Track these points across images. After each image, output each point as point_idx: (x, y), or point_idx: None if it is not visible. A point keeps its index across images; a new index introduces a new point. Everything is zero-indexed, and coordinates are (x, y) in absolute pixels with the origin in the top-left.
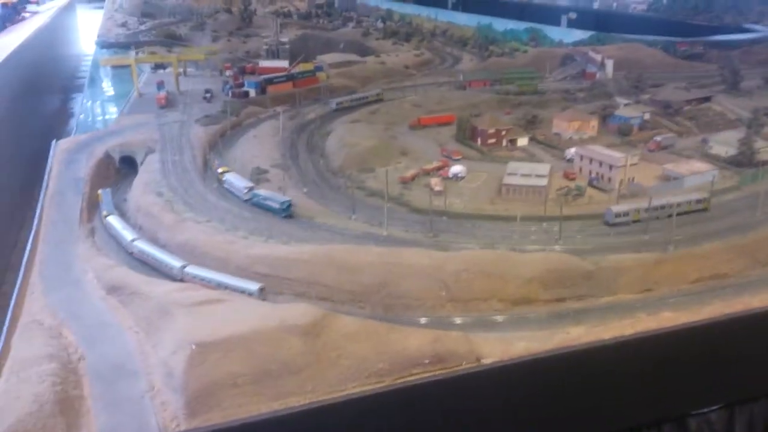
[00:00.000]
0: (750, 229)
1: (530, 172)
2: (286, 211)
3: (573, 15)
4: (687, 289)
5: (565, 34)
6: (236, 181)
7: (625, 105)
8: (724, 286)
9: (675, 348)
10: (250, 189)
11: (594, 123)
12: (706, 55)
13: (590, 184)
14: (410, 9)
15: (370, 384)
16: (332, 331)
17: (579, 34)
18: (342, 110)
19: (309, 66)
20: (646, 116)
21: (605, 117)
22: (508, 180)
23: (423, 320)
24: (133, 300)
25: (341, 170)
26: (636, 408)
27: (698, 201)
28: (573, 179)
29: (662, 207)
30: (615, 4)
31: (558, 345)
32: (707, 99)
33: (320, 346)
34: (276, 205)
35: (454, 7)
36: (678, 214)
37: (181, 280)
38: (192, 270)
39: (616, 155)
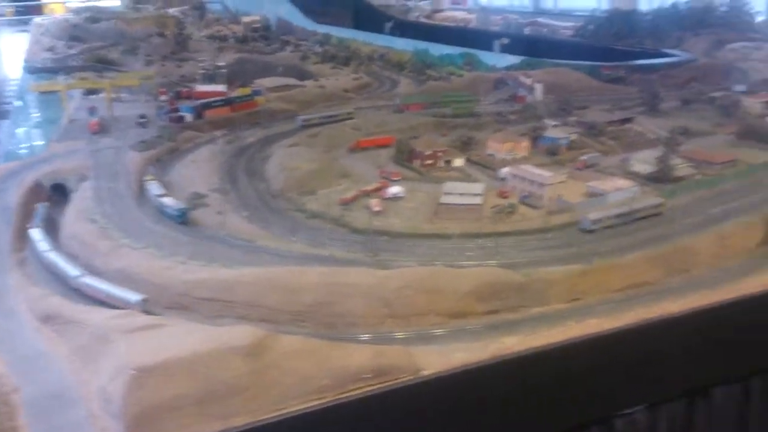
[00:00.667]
0: (667, 240)
1: (465, 192)
2: (182, 218)
3: (505, 40)
4: (611, 297)
5: (499, 59)
6: (153, 189)
7: (554, 126)
8: (644, 294)
9: (600, 352)
10: (160, 196)
11: (525, 144)
12: (628, 78)
13: (522, 201)
14: (348, 33)
15: (313, 400)
16: (275, 350)
17: (511, 59)
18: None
19: (247, 90)
20: (573, 137)
21: (535, 138)
22: (444, 199)
23: (365, 337)
24: (69, 329)
25: (282, 193)
26: (565, 411)
27: (655, 206)
28: (506, 197)
29: (629, 213)
30: (545, 30)
31: (492, 354)
32: (629, 120)
33: (263, 366)
34: (173, 212)
35: (392, 32)
36: (640, 218)
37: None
38: (86, 280)
39: (545, 174)
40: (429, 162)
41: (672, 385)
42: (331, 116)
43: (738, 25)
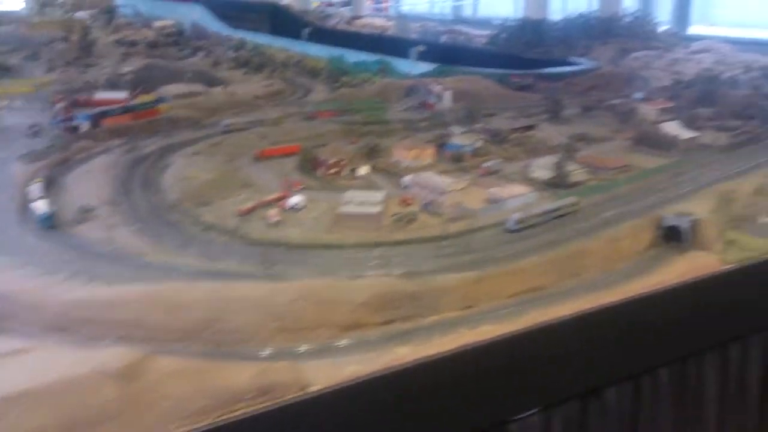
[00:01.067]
0: (561, 245)
1: (365, 200)
2: (47, 223)
3: (422, 48)
4: (505, 303)
5: (413, 67)
6: (31, 194)
7: (460, 134)
8: (537, 298)
9: (492, 358)
10: (33, 201)
11: (430, 151)
12: (535, 86)
13: (424, 209)
14: (264, 39)
15: (191, 423)
16: (152, 372)
17: (425, 67)
18: (196, 140)
19: (150, 97)
20: (478, 144)
21: (441, 145)
22: (344, 209)
23: (254, 353)
24: None
25: (177, 205)
26: (458, 419)
27: (572, 204)
28: (409, 205)
29: (549, 211)
30: (461, 38)
31: (385, 365)
32: (532, 127)
33: (138, 389)
34: (38, 217)
35: (309, 39)
36: (559, 216)
37: None
38: None
39: (445, 182)
40: (333, 170)
41: (565, 388)
42: (258, 121)
43: (642, 34)
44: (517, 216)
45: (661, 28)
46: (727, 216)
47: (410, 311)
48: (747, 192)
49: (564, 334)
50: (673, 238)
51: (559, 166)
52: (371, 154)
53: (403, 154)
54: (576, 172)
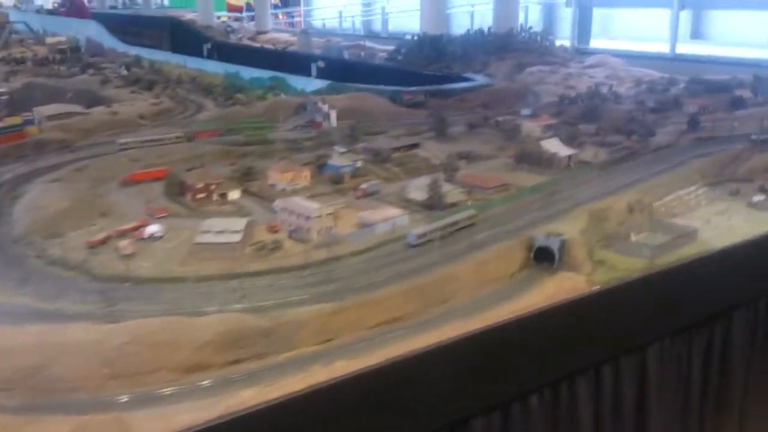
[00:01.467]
0: (427, 270)
1: (225, 229)
2: None
3: (322, 63)
4: (364, 335)
5: (307, 83)
6: None
7: (341, 154)
8: (400, 329)
9: (348, 395)
10: None
11: (307, 173)
12: (426, 103)
13: (290, 236)
14: (162, 56)
15: None
16: None
17: (319, 84)
18: (62, 165)
19: (17, 119)
20: (359, 164)
21: (320, 166)
22: (201, 238)
23: (79, 404)
24: None
25: (24, 237)
26: None
27: (470, 217)
28: (276, 232)
29: (449, 225)
30: (363, 54)
31: (224, 411)
32: (416, 146)
33: None
34: None
35: (209, 55)
36: (458, 229)
37: None
38: None
39: (312, 206)
40: (201, 196)
41: (429, 422)
42: (155, 140)
43: (538, 49)
44: (416, 231)
45: (560, 43)
46: (599, 235)
47: (261, 348)
48: (621, 209)
49: (426, 365)
50: (543, 259)
51: (433, 187)
52: (246, 176)
53: (278, 176)
54: (452, 193)
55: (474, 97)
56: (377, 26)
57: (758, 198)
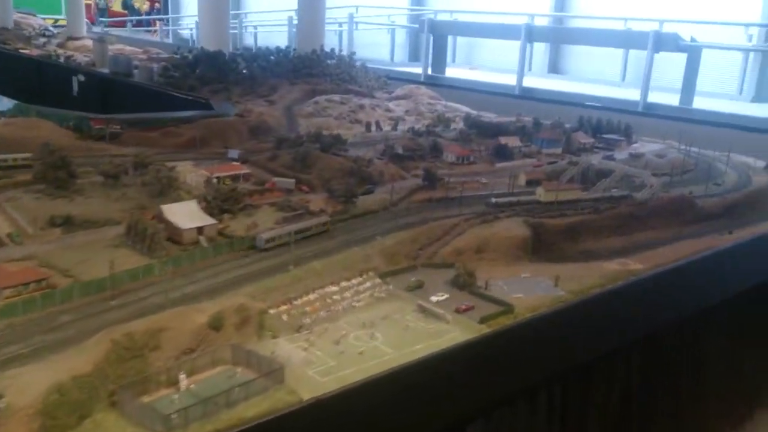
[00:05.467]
0: None
1: None
2: None
3: (82, 77)
4: None
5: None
6: None
7: None
8: None
9: None
10: None
11: None
12: (122, 135)
13: None
14: None
15: None
16: None
17: (7, 104)
18: None
19: None
20: None
21: None
22: None
23: None
24: None
25: None
26: None
27: (323, 224)
28: None
29: (301, 230)
30: (155, 67)
31: None
32: None
33: None
34: None
35: None
36: (311, 235)
37: None
38: None
39: None
40: None
41: None
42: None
43: (342, 75)
44: (265, 235)
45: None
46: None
47: None
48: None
49: None
50: None
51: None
52: None
53: None
54: None
55: (185, 131)
56: (250, 41)
57: (437, 298)
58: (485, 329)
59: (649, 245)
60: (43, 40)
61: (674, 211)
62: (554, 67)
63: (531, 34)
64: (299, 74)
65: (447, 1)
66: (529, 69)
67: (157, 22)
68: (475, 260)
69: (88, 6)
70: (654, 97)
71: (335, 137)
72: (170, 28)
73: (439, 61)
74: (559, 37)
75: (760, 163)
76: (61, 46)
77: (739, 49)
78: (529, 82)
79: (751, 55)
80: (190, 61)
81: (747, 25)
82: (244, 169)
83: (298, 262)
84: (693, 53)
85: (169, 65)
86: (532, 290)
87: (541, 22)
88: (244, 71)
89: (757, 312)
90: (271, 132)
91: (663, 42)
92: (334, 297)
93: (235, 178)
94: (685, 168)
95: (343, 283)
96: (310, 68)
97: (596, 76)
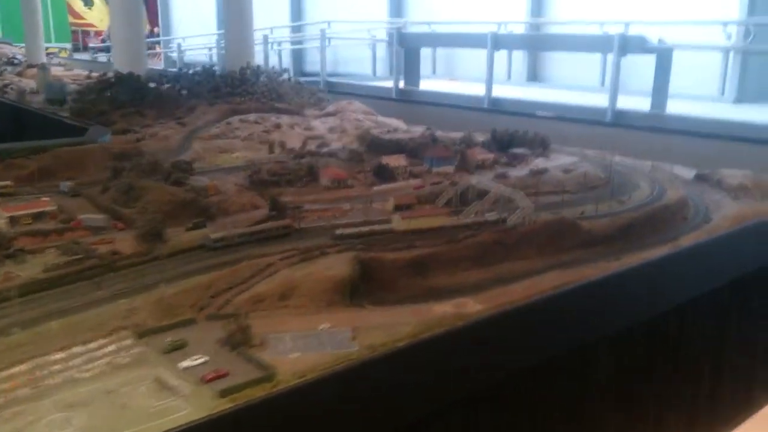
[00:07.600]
0: None
1: None
2: None
3: None
4: None
5: None
6: None
7: None
8: None
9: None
10: None
11: None
12: None
13: None
14: None
15: None
16: None
17: None
18: None
19: None
20: None
21: None
22: None
23: None
24: None
25: None
26: None
27: (284, 227)
28: None
29: (255, 232)
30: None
31: None
32: None
33: None
34: None
35: None
36: (270, 237)
37: None
38: None
39: None
40: None
41: None
42: None
43: (269, 93)
44: (215, 235)
45: (339, 83)
46: None
47: None
48: None
49: None
50: None
51: None
52: None
53: None
54: None
55: (36, 162)
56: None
57: (189, 363)
58: (225, 405)
59: (514, 277)
60: (9, 68)
61: (552, 236)
62: (534, 75)
63: (497, 43)
64: (220, 94)
65: (427, 11)
66: (508, 78)
67: (157, 46)
68: (279, 308)
69: (86, 32)
70: (634, 103)
71: (181, 164)
72: (162, 50)
73: (412, 74)
74: (526, 44)
75: (692, 173)
76: (19, 74)
77: (712, 49)
78: (507, 91)
79: (731, 54)
80: (105, 84)
81: (725, 24)
82: (50, 206)
83: (30, 323)
84: (663, 55)
85: (84, 88)
86: (320, 347)
87: (519, 29)
88: (161, 93)
89: (641, 353)
90: (141, 158)
91: (629, 45)
92: (54, 367)
93: (38, 215)
94: (591, 184)
95: (76, 348)
96: (232, 87)
97: (575, 83)
